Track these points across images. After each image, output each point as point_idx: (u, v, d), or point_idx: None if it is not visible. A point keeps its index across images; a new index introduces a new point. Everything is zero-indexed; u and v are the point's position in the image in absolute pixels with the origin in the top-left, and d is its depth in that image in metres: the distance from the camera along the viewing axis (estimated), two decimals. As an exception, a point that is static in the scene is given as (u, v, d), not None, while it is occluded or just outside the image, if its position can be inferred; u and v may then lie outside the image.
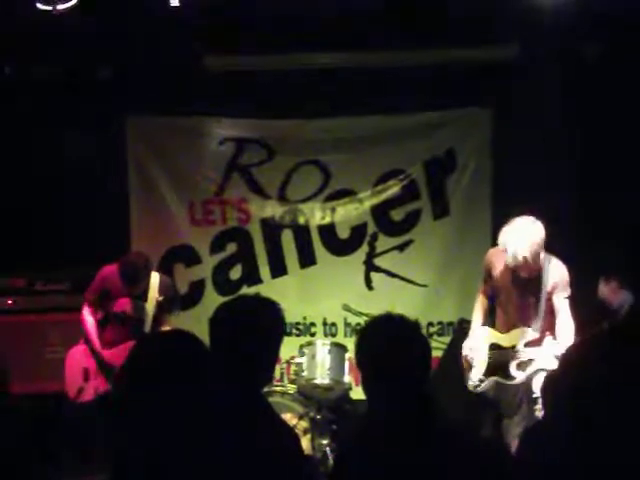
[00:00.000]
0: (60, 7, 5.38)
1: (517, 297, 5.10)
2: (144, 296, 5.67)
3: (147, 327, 5.62)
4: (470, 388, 5.18)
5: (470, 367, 5.20)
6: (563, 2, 5.63)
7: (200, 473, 2.39)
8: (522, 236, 4.83)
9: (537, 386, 4.88)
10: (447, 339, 6.70)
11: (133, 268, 5.57)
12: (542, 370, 4.87)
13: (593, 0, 5.76)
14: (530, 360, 4.98)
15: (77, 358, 5.68)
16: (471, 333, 5.33)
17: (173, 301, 5.86)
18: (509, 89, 6.60)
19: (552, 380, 2.97)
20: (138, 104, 6.80)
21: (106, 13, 5.90)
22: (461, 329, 6.56)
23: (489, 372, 5.12)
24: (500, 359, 5.10)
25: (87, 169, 6.60)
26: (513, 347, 5.06)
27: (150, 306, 5.64)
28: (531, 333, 5.01)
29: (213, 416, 2.42)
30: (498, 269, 5.18)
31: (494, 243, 6.61)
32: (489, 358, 5.16)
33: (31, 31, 5.90)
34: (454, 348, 6.36)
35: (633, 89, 6.30)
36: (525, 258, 4.80)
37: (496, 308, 5.34)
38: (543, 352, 4.93)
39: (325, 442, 5.65)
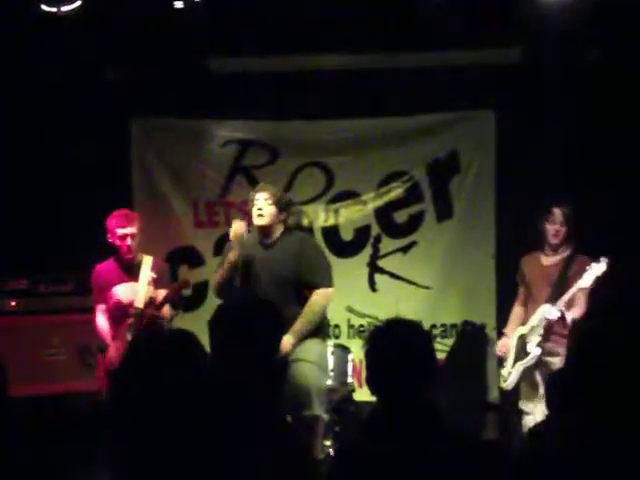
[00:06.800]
0: (64, 9, 5.38)
1: (543, 289, 5.46)
2: (136, 276, 5.62)
3: (140, 303, 5.55)
4: (503, 386, 5.54)
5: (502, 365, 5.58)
6: (566, 5, 5.62)
7: (201, 472, 2.38)
8: None
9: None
10: (451, 341, 6.71)
11: (121, 210, 5.64)
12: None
13: (596, 3, 5.76)
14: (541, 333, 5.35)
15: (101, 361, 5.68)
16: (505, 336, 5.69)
17: (166, 280, 5.76)
18: (513, 91, 6.60)
19: (557, 376, 2.96)
20: (142, 106, 6.80)
21: (109, 15, 5.91)
22: (465, 331, 6.59)
23: (514, 362, 5.44)
24: (521, 344, 5.41)
25: (90, 170, 6.59)
26: (529, 329, 5.43)
27: (143, 283, 5.61)
28: (550, 312, 5.29)
29: (211, 416, 2.41)
30: (531, 270, 5.62)
31: (498, 245, 6.66)
32: (515, 349, 5.46)
33: (34, 33, 5.92)
34: (458, 350, 6.37)
35: (635, 91, 6.29)
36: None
37: (527, 307, 5.63)
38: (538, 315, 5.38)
39: (328, 444, 5.64)
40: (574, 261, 5.42)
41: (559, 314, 5.23)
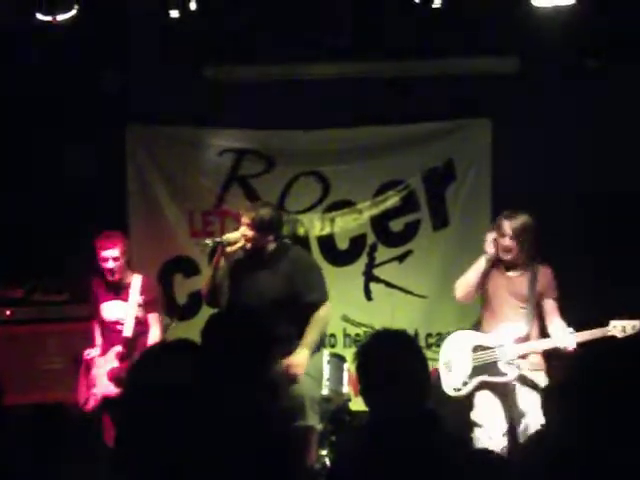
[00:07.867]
0: (60, 17, 5.38)
1: (508, 301, 5.23)
2: (122, 295, 5.70)
3: (129, 331, 5.61)
4: (450, 393, 5.22)
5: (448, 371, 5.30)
6: (563, 14, 5.64)
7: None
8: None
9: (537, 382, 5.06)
10: (446, 350, 6.68)
11: (107, 232, 5.71)
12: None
13: (593, 12, 5.78)
14: (520, 355, 5.10)
15: (86, 368, 5.71)
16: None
17: (156, 303, 5.83)
18: (509, 100, 6.60)
19: (557, 385, 2.96)
20: (137, 114, 6.80)
21: (106, 23, 5.92)
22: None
23: (475, 373, 5.16)
24: (487, 358, 5.16)
25: (86, 179, 6.59)
26: (500, 345, 5.13)
27: (131, 308, 5.64)
28: (519, 329, 5.10)
29: (212, 427, 2.42)
30: (494, 282, 5.31)
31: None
32: (474, 360, 5.20)
33: (31, 40, 5.92)
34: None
35: (632, 100, 6.31)
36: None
37: (484, 314, 5.42)
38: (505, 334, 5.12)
39: (324, 453, 5.63)
40: (538, 273, 5.16)
41: (574, 345, 4.91)
